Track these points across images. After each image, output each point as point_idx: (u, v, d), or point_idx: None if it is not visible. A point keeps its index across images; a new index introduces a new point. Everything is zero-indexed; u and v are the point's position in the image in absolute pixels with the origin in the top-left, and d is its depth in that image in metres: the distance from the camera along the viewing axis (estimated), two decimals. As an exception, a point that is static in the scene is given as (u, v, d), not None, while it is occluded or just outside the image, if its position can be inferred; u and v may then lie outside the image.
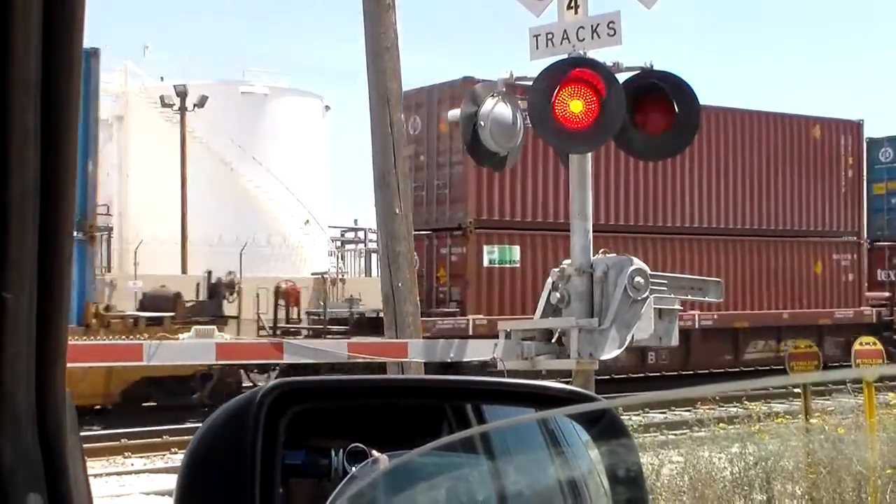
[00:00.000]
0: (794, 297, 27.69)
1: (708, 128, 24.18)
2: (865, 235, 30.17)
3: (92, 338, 17.91)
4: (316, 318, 24.58)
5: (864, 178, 30.00)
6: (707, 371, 26.34)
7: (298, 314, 25.17)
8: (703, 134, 23.46)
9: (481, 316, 22.20)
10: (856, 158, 29.17)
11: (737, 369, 26.82)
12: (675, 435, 11.61)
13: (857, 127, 29.42)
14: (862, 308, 28.80)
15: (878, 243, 31.37)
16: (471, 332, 20.81)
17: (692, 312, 23.53)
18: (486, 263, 22.82)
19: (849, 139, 29.04)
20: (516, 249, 23.11)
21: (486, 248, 22.87)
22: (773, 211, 27.53)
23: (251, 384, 21.65)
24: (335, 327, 23.02)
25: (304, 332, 23.45)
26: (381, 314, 9.51)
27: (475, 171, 21.95)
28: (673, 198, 25.74)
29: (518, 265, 23.04)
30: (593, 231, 8.21)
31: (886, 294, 30.43)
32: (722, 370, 26.71)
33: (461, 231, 22.93)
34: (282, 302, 24.97)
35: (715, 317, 24.95)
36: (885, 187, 31.48)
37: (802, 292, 27.86)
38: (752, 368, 26.46)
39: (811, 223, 28.30)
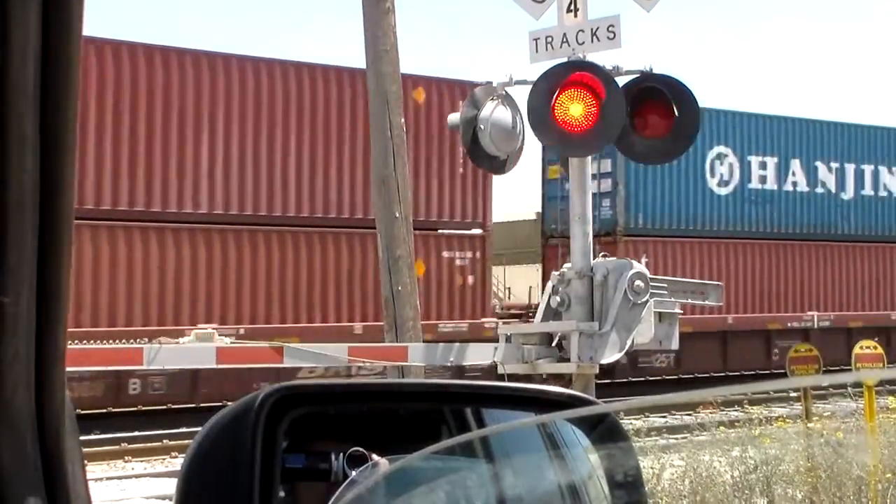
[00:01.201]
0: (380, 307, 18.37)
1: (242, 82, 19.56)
2: (544, 229, 25.47)
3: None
4: None
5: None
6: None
7: None
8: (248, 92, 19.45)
9: None
10: None
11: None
12: (676, 439, 11.60)
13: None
14: (482, 320, 21.90)
15: (552, 239, 24.96)
16: None
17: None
18: None
19: None
20: None
21: None
22: (350, 196, 20.79)
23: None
24: None
25: None
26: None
27: None
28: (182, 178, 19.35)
29: None
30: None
31: (525, 302, 24.80)
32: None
33: None
34: None
35: (241, 332, 17.79)
36: (560, 170, 23.09)
37: None
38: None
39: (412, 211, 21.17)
